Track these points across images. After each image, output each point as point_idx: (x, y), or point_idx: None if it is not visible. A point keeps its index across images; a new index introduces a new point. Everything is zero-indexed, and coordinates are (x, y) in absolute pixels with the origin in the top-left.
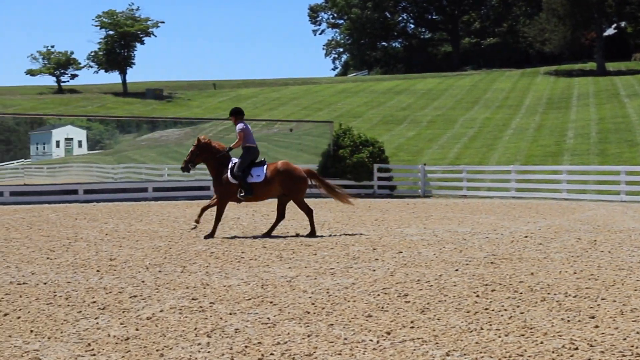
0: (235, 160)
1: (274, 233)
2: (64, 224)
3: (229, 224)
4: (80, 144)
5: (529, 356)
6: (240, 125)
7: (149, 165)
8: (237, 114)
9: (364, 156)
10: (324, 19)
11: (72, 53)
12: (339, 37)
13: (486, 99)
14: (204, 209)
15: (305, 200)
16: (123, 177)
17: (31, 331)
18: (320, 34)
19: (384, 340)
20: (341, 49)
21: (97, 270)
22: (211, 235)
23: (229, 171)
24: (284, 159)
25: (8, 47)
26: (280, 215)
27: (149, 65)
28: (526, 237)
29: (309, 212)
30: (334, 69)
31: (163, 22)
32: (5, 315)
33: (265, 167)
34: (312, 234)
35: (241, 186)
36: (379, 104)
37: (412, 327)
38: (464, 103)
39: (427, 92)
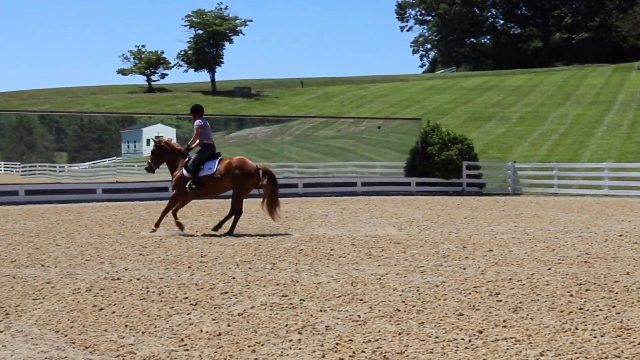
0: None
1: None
2: (155, 221)
3: (317, 221)
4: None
5: (626, 357)
6: (197, 122)
7: None
8: (195, 111)
9: (452, 153)
10: (411, 16)
11: (162, 52)
12: (426, 34)
13: (577, 95)
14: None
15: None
16: None
17: (126, 326)
18: (407, 30)
19: (476, 339)
20: (429, 46)
21: (189, 267)
22: (156, 225)
23: (183, 168)
24: (364, 156)
25: (100, 47)
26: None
27: (237, 63)
28: (620, 235)
29: (239, 212)
30: (421, 66)
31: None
32: (100, 310)
33: (217, 160)
34: (230, 232)
35: (192, 179)
36: (468, 100)
37: (504, 327)
38: (555, 99)
39: (517, 88)
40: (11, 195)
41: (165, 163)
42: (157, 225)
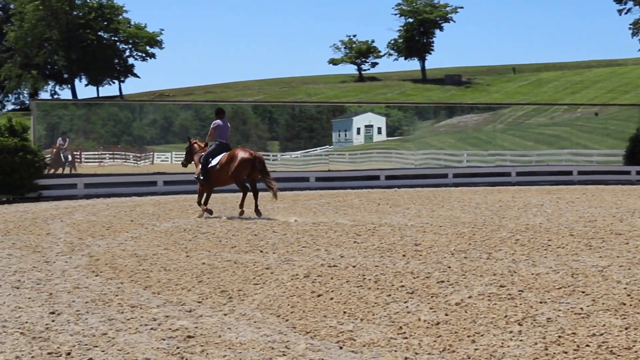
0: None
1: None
2: (367, 209)
3: (532, 210)
4: (379, 130)
5: None
6: (214, 123)
7: (447, 151)
8: (216, 113)
9: None
10: None
11: (372, 42)
12: None
13: None
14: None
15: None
16: (422, 163)
17: (344, 312)
18: (626, 13)
19: None
20: None
21: (403, 255)
22: (199, 216)
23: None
24: (580, 144)
25: (312, 37)
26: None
27: (448, 51)
28: None
29: (254, 190)
30: None
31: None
32: (318, 296)
33: (223, 154)
34: (257, 211)
35: (201, 171)
36: None
37: None
38: None
39: None
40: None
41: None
42: (200, 216)
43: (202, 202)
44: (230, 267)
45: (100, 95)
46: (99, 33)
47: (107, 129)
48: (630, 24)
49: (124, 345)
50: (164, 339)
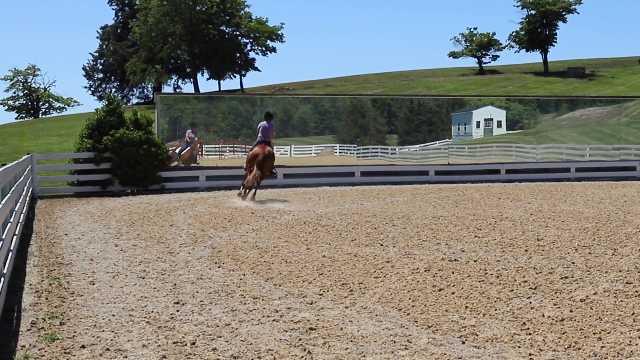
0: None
1: None
2: (487, 203)
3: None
4: (499, 124)
5: None
6: (259, 124)
7: (569, 145)
8: (265, 116)
9: None
10: None
11: (493, 34)
12: None
13: None
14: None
15: None
16: (544, 157)
17: (466, 307)
18: None
19: None
20: None
21: (525, 250)
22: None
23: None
24: None
25: (432, 30)
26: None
27: (571, 43)
28: None
29: (270, 174)
30: None
31: None
32: (440, 290)
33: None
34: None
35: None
36: None
37: None
38: None
39: None
40: (348, 177)
41: None
42: (251, 198)
43: (243, 183)
44: (351, 260)
45: (222, 89)
46: (221, 28)
47: (228, 122)
48: None
49: (247, 336)
50: (286, 331)
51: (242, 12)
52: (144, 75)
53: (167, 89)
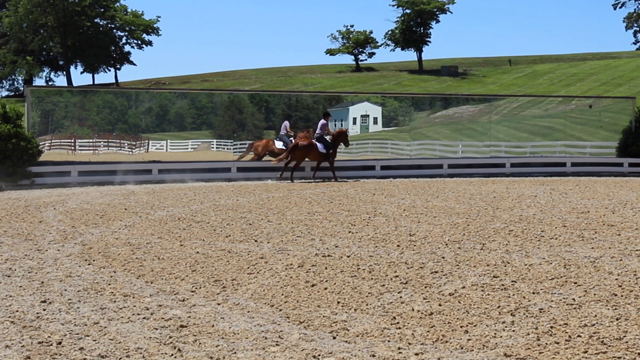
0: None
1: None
2: (362, 199)
3: (526, 201)
4: (375, 120)
5: None
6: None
7: (442, 142)
8: (324, 115)
9: None
10: None
11: (370, 32)
12: None
13: None
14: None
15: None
16: (418, 154)
17: (338, 302)
18: (620, 7)
19: None
20: None
21: (398, 245)
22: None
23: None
24: (574, 135)
25: (309, 27)
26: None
27: (444, 42)
28: None
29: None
30: (635, 43)
31: None
32: (312, 286)
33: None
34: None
35: None
36: None
37: None
38: None
39: None
40: (225, 172)
41: None
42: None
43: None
44: (225, 256)
45: (96, 82)
46: (95, 20)
47: (102, 116)
48: (624, 18)
49: (115, 335)
50: (156, 329)
51: (117, 4)
52: (14, 67)
53: (39, 81)
